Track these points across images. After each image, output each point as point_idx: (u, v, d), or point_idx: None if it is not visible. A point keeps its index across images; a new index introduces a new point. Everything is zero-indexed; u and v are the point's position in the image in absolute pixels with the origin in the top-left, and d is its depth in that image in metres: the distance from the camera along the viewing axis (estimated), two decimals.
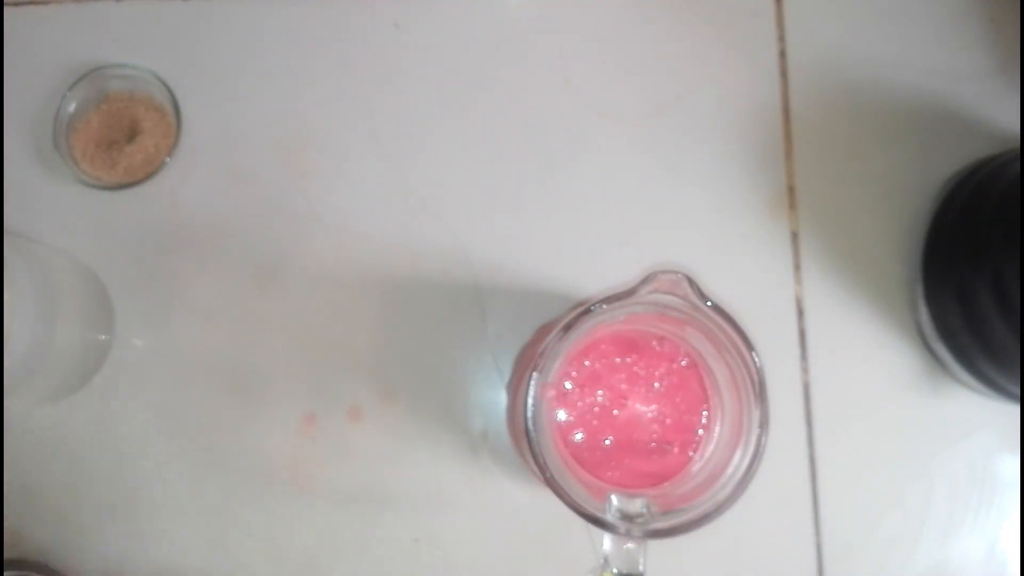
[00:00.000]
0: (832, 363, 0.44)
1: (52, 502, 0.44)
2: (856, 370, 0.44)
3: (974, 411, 0.43)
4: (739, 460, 0.32)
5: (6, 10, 0.47)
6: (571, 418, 0.37)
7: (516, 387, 0.40)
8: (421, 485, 0.44)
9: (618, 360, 0.37)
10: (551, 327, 0.37)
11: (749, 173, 0.45)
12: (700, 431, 0.37)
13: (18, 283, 0.37)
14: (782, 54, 0.46)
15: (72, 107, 0.46)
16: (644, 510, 0.32)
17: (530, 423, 0.33)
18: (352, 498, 0.44)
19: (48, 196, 0.46)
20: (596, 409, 0.37)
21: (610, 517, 0.32)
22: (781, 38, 0.46)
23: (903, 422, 0.43)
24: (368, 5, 0.47)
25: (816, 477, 0.43)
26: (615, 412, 0.37)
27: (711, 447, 0.36)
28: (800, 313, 0.44)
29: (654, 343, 0.37)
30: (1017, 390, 0.40)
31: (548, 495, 0.33)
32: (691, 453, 0.37)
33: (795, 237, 0.45)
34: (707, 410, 0.37)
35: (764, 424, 0.32)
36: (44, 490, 0.44)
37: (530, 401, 0.33)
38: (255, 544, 0.43)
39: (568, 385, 0.37)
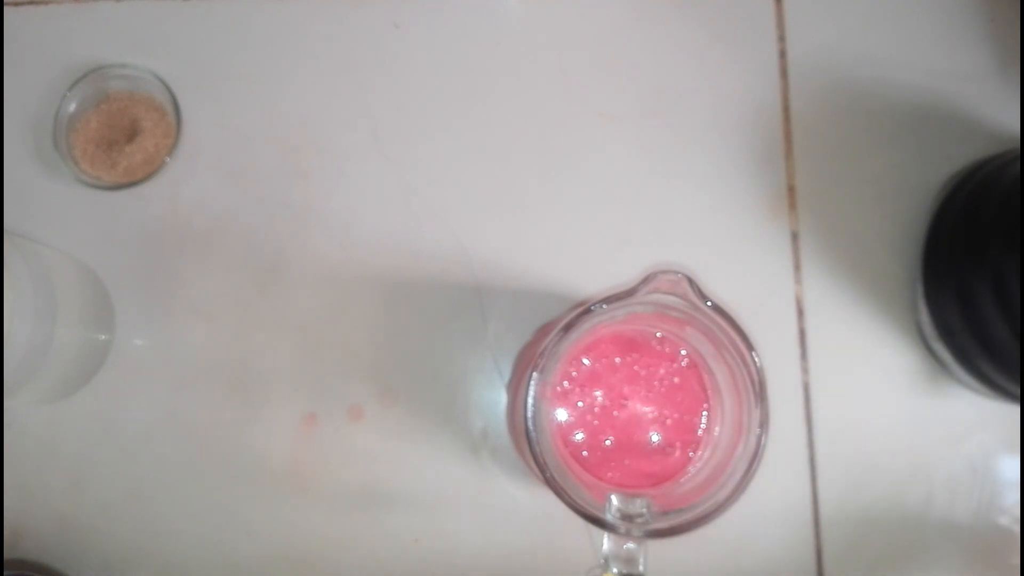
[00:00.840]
0: (832, 363, 0.44)
1: (52, 502, 0.44)
2: (856, 370, 0.44)
3: (974, 411, 0.43)
4: (739, 460, 0.32)
5: (6, 10, 0.47)
6: (571, 418, 0.37)
7: (516, 387, 0.40)
8: (421, 485, 0.44)
9: (618, 360, 0.37)
10: (551, 327, 0.37)
11: (749, 173, 0.45)
12: (700, 431, 0.37)
13: (18, 283, 0.37)
14: (782, 54, 0.46)
15: (72, 107, 0.46)
16: (644, 510, 0.32)
17: (530, 423, 0.33)
18: (352, 498, 0.44)
19: (48, 196, 0.46)
20: (596, 409, 0.37)
21: (610, 517, 0.32)
22: (781, 38, 0.46)
23: (903, 422, 0.43)
24: (368, 5, 0.47)
25: (816, 477, 0.43)
26: (615, 412, 0.37)
27: (711, 447, 0.36)
28: (800, 313, 0.44)
29: (654, 343, 0.37)
30: (1017, 390, 0.40)
31: (548, 495, 0.33)
32: (691, 453, 0.37)
33: (795, 237, 0.45)
34: (707, 410, 0.37)
35: (764, 424, 0.32)
36: (44, 490, 0.44)
37: (530, 401, 0.33)
38: (255, 544, 0.43)
39: (568, 385, 0.37)
